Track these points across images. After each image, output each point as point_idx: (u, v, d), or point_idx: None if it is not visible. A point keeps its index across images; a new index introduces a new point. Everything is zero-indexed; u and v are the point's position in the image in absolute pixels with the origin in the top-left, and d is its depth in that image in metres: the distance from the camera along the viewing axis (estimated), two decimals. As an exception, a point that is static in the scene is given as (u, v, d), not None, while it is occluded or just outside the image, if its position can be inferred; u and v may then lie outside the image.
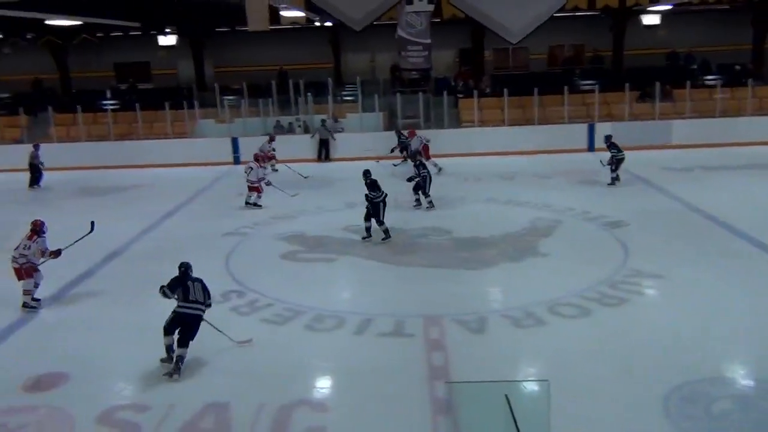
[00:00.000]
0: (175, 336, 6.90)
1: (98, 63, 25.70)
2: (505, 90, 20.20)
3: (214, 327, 7.21)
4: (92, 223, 9.52)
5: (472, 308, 8.25)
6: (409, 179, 13.51)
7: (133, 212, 14.14)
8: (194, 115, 21.30)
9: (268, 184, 14.34)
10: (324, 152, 20.12)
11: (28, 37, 22.07)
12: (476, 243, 10.98)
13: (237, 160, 19.87)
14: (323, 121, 20.26)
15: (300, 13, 17.36)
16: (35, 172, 17.88)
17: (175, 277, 7.09)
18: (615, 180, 15.00)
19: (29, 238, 8.86)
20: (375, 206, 11.24)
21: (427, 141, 18.08)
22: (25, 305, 8.74)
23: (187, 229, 12.80)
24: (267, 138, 18.45)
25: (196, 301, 6.99)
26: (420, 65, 17.61)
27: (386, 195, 11.31)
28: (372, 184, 11.29)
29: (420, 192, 13.49)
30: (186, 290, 6.98)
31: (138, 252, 11.40)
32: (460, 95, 22.20)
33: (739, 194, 13.80)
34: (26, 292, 8.77)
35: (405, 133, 18.67)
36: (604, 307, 8.14)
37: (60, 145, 20.50)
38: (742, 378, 6.47)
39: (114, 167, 19.42)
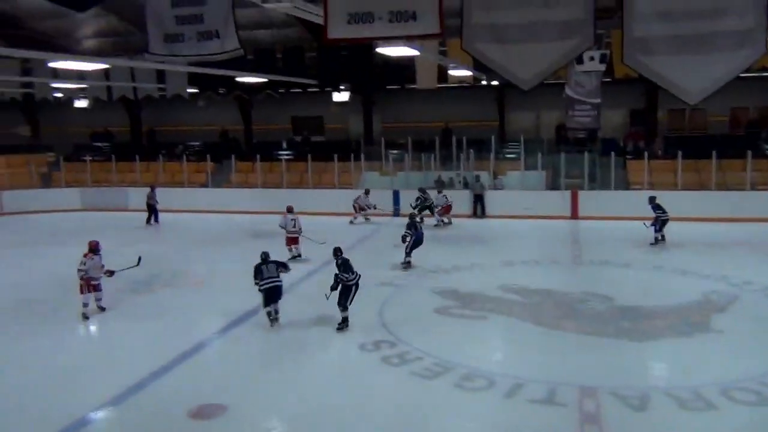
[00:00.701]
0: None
1: (278, 116, 27.78)
2: (679, 152, 19.10)
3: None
4: (139, 258, 11.25)
5: (632, 383, 7.71)
6: (403, 238, 13.51)
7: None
8: (360, 168, 22.28)
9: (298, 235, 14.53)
10: (480, 208, 20.08)
11: (220, 91, 24.44)
12: (640, 313, 10.30)
13: (396, 212, 20.40)
14: (477, 176, 20.30)
15: (468, 72, 17.74)
16: (152, 212, 20.04)
17: (256, 265, 9.88)
18: (658, 240, 15.35)
19: (85, 255, 10.48)
20: (346, 289, 9.77)
21: (451, 202, 18.85)
22: (84, 315, 10.46)
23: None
24: (364, 191, 19.54)
25: (270, 276, 9.78)
26: (587, 125, 17.25)
27: (359, 277, 9.91)
28: (344, 264, 9.90)
29: (409, 253, 13.49)
30: (261, 272, 9.82)
31: (298, 293, 11.92)
32: (629, 156, 21.30)
33: None
34: (84, 305, 10.46)
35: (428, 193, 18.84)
36: (788, 397, 7.27)
37: (238, 190, 22.31)
38: None
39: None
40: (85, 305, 10.52)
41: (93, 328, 10.54)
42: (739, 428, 6.62)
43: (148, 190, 20.44)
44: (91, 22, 20.23)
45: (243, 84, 22.40)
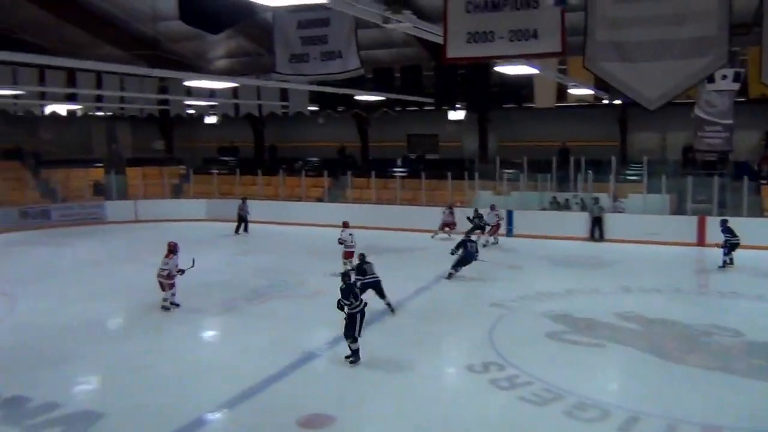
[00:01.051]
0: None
1: (393, 134, 28.18)
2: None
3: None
4: (193, 260, 11.78)
5: (761, 426, 7.14)
6: (452, 252, 14.20)
7: (407, 273, 14.91)
8: (474, 186, 22.15)
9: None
10: (598, 231, 19.37)
11: (339, 109, 25.18)
12: (774, 350, 9.55)
13: (510, 233, 20.09)
14: (596, 199, 19.59)
15: (589, 91, 17.27)
16: (241, 221, 21.37)
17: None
18: (726, 264, 15.03)
19: (166, 256, 11.67)
20: (351, 318, 9.02)
21: (501, 219, 19.16)
22: (163, 308, 11.70)
23: (457, 294, 13.22)
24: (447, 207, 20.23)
25: (372, 273, 10.93)
26: (718, 147, 16.35)
27: (366, 304, 9.28)
28: (347, 290, 9.10)
29: (455, 267, 14.09)
30: (364, 270, 10.96)
31: (411, 310, 11.99)
32: (764, 182, 19.85)
33: None
34: (164, 300, 11.73)
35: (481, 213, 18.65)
36: None
37: (353, 205, 22.81)
38: None
39: (398, 229, 20.92)
40: (165, 300, 11.79)
41: (205, 333, 11.16)
42: None
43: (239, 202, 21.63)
44: (222, 44, 21.46)
45: (361, 102, 22.98)
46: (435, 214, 20.35)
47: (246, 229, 21.50)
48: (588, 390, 8.15)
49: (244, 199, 21.88)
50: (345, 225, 15.27)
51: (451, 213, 19.97)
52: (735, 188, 19.10)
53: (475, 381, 8.58)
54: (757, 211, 18.90)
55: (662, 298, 12.76)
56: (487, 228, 18.65)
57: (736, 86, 13.94)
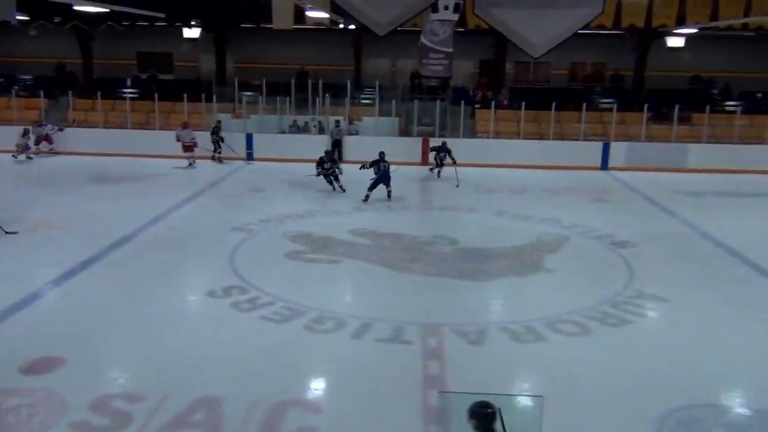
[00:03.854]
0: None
1: (121, 51, 25.84)
2: (523, 103, 20.17)
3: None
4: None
5: (472, 319, 8.23)
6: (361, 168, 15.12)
7: (143, 202, 14.20)
8: (212, 109, 21.42)
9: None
10: (338, 153, 20.12)
11: (56, 20, 22.25)
12: (482, 254, 10.96)
13: (250, 157, 19.97)
14: (337, 121, 20.29)
15: (325, 15, 17.43)
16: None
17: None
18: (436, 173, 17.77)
19: None
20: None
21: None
22: None
23: (195, 222, 12.90)
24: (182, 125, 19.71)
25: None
26: (440, 73, 17.69)
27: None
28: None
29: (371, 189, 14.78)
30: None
31: (145, 241, 11.46)
32: (478, 106, 22.18)
33: (750, 222, 13.68)
34: None
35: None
36: (605, 327, 8.09)
37: (77, 130, 20.68)
38: (738, 406, 6.41)
39: (129, 155, 19.56)
40: None
41: None
42: (562, 358, 7.29)
43: None
44: None
45: (82, 13, 20.50)
46: (170, 138, 19.36)
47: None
48: (325, 304, 8.61)
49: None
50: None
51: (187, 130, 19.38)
52: (454, 112, 21.09)
53: (216, 306, 8.56)
54: (471, 133, 21.15)
55: (392, 214, 13.82)
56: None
57: (455, 17, 15.08)
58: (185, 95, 21.04)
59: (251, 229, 12.20)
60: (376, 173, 14.80)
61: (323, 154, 15.67)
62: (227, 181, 17.32)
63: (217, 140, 19.55)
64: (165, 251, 10.78)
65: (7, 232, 11.10)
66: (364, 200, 14.50)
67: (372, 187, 14.62)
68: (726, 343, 7.74)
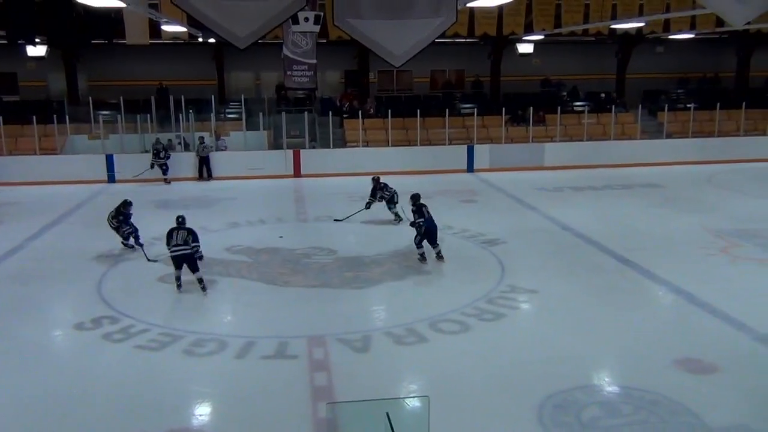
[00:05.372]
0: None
1: (-42, 72, 23.80)
2: (389, 111, 20.61)
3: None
4: None
5: (355, 327, 8.29)
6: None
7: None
8: (65, 131, 20.13)
9: None
10: (206, 171, 19.58)
11: None
12: (361, 262, 11.06)
13: (112, 179, 18.98)
14: (202, 138, 19.69)
15: (181, 29, 16.93)
16: None
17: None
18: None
19: None
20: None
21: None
22: None
23: (57, 250, 12.05)
24: None
25: (177, 245, 9.38)
26: (305, 85, 17.69)
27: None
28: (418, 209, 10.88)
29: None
30: (169, 237, 9.47)
31: (2, 274, 10.57)
32: (346, 115, 22.41)
33: (604, 212, 14.80)
34: None
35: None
36: (482, 322, 8.43)
37: None
38: (608, 385, 6.89)
39: None
40: None
41: None
42: (445, 356, 7.50)
43: None
44: None
45: None
46: (21, 163, 17.95)
47: None
48: (204, 326, 8.36)
49: None
50: None
51: None
52: (323, 123, 21.16)
53: (85, 339, 8.06)
54: (341, 143, 21.32)
55: (266, 228, 13.62)
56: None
57: (316, 29, 15.07)
58: (34, 117, 19.58)
59: (119, 255, 11.58)
60: (416, 221, 10.95)
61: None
62: (86, 206, 16.32)
63: (164, 162, 18.74)
64: (26, 284, 10.01)
65: None
66: (420, 259, 10.96)
67: (421, 241, 10.94)
68: (593, 327, 8.31)
